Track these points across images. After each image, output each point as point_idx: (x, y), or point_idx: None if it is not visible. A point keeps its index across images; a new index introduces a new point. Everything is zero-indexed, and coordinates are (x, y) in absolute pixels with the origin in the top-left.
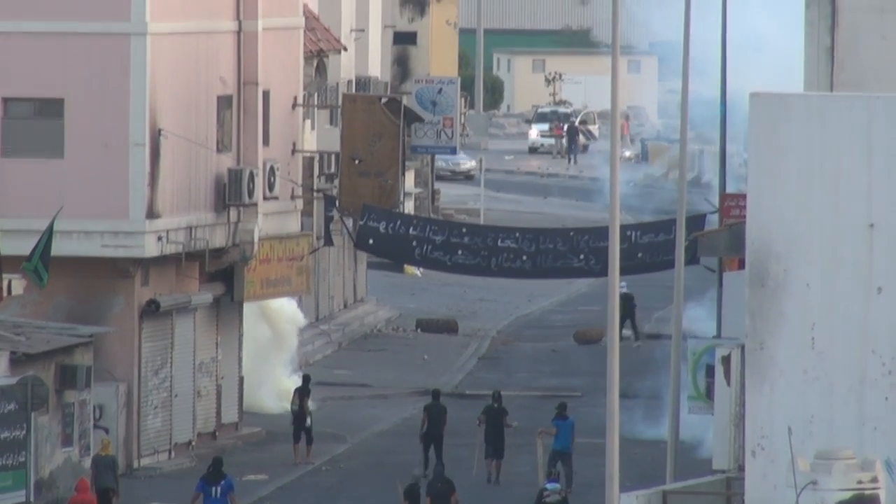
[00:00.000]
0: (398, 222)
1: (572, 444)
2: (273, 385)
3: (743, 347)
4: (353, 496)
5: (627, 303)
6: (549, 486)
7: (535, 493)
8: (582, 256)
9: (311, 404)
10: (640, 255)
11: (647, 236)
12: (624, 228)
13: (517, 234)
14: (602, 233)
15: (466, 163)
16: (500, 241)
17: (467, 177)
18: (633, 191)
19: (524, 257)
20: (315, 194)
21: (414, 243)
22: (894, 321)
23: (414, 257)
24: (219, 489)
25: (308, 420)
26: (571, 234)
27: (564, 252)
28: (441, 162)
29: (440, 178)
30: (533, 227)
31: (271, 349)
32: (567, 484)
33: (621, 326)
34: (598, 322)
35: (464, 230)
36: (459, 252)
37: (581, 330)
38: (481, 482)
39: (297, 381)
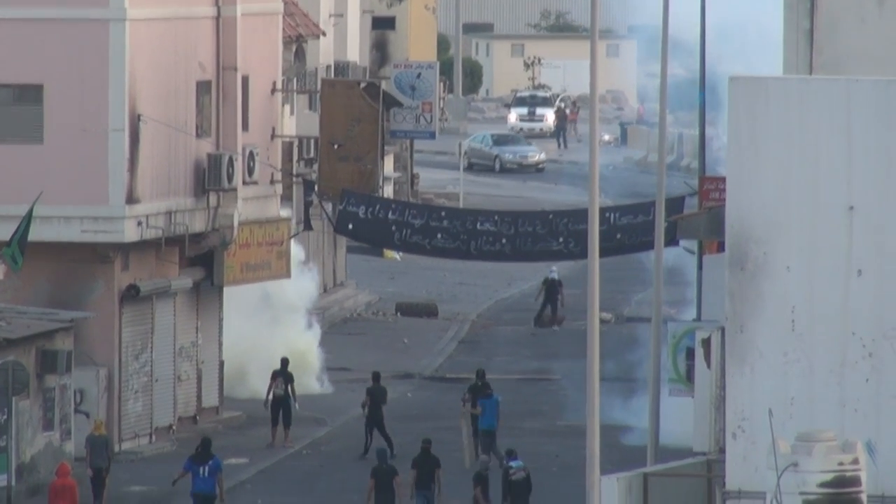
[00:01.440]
0: (377, 207)
1: (497, 422)
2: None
3: (723, 330)
4: (333, 479)
5: (553, 288)
6: (513, 464)
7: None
8: (561, 239)
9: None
10: (618, 236)
11: (625, 218)
12: (603, 210)
13: (496, 218)
14: (581, 215)
15: (535, 155)
16: (478, 224)
17: (537, 169)
18: (612, 174)
19: (503, 240)
20: (294, 179)
21: (393, 228)
22: (874, 303)
23: (394, 242)
24: (206, 469)
25: (294, 404)
26: (550, 216)
27: (543, 235)
28: (509, 154)
29: (507, 170)
30: (511, 210)
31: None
32: (496, 458)
33: (543, 310)
34: (580, 305)
35: (443, 214)
36: (439, 236)
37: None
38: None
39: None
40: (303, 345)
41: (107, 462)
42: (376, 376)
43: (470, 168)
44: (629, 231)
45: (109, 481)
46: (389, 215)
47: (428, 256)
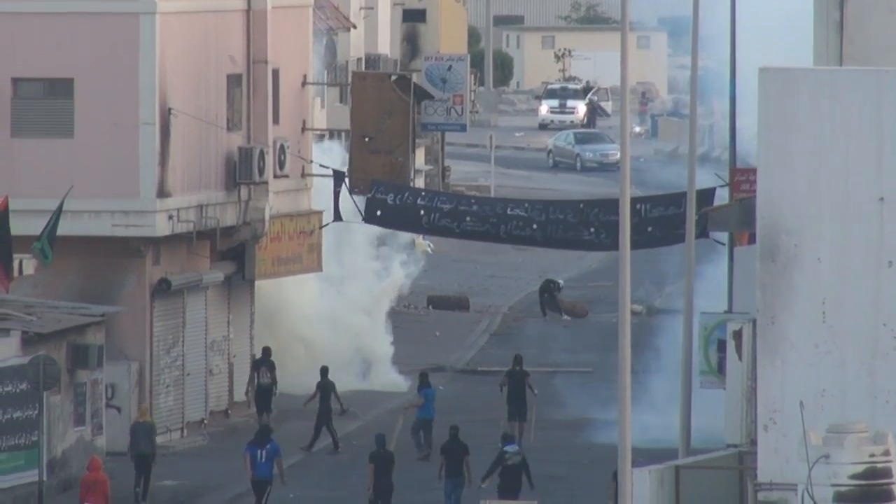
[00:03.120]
0: (406, 194)
1: (434, 412)
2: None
3: (754, 322)
4: (365, 473)
5: (550, 286)
6: (508, 448)
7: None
8: (592, 230)
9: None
10: (650, 229)
11: (656, 210)
12: (634, 202)
13: (526, 205)
14: (612, 206)
15: (617, 153)
16: (509, 209)
17: (616, 168)
18: (642, 166)
19: (534, 226)
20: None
21: (422, 212)
22: None
23: (422, 226)
24: (264, 453)
25: (275, 391)
26: (581, 206)
27: (575, 224)
28: (589, 153)
29: (588, 168)
30: (542, 199)
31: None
32: (428, 447)
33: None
34: (610, 298)
35: (472, 200)
36: (468, 219)
37: (569, 303)
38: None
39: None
40: (370, 339)
41: (152, 448)
42: (324, 371)
43: (555, 166)
44: (660, 224)
45: (155, 468)
46: (418, 201)
47: (457, 239)
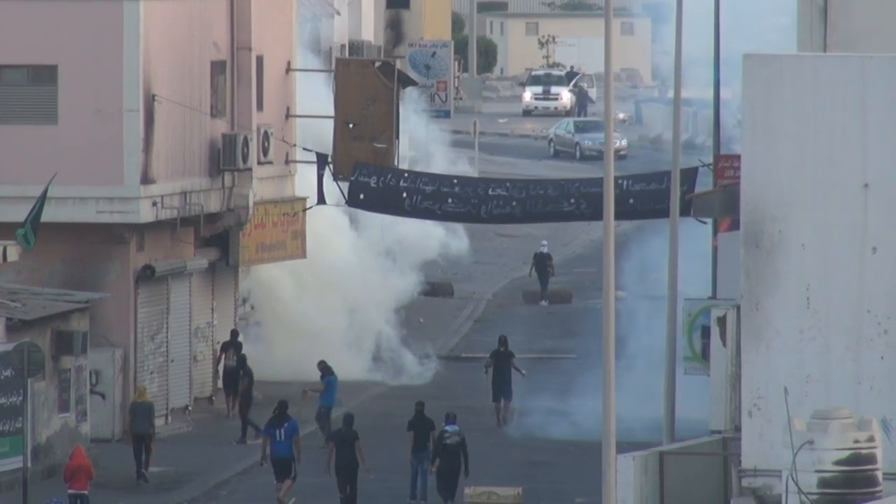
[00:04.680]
0: (389, 176)
1: (335, 399)
2: None
3: (739, 308)
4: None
5: (542, 262)
6: (448, 428)
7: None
8: (572, 200)
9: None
10: (631, 201)
11: (638, 185)
12: (616, 178)
13: (507, 184)
14: (593, 180)
15: (617, 142)
16: (490, 190)
17: (619, 156)
18: (627, 152)
19: (514, 203)
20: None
21: (404, 195)
22: (889, 281)
23: (404, 208)
24: (283, 432)
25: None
26: (562, 182)
27: (555, 197)
28: (588, 141)
29: (587, 157)
30: (524, 178)
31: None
32: (326, 435)
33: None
34: (596, 284)
35: (454, 181)
36: (449, 201)
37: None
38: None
39: None
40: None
41: (152, 429)
42: (241, 359)
43: (556, 156)
44: (642, 197)
45: (155, 448)
46: (401, 183)
47: (438, 221)
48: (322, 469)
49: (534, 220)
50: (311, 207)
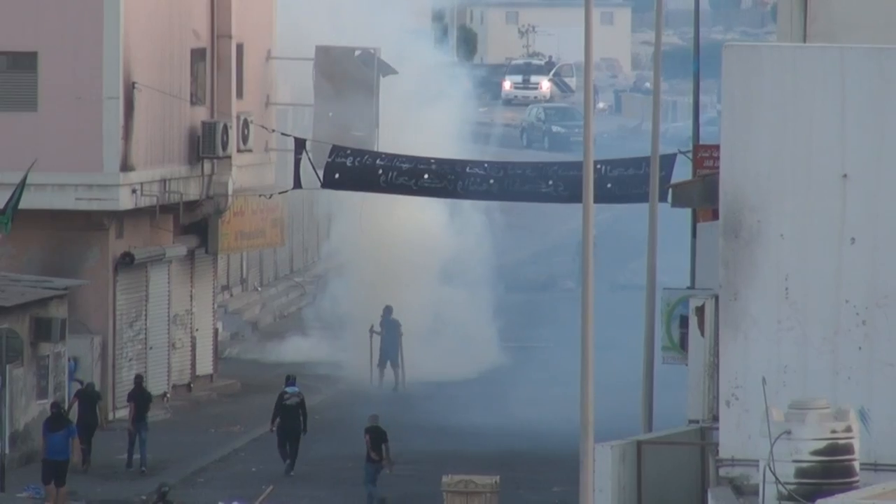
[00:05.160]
0: (366, 156)
1: None
2: None
3: (717, 298)
4: (328, 446)
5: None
6: (288, 389)
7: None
8: (550, 182)
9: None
10: (609, 185)
11: (616, 170)
12: (595, 163)
13: (486, 165)
14: (572, 164)
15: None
16: (468, 168)
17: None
18: (606, 142)
19: (491, 181)
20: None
21: (380, 172)
22: (867, 271)
23: (379, 185)
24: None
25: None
26: (541, 165)
27: (533, 177)
28: (556, 127)
29: (557, 145)
30: (502, 160)
31: None
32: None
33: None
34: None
35: (432, 161)
36: (426, 176)
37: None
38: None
39: None
40: None
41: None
42: (90, 386)
43: (529, 146)
44: (620, 182)
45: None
46: (378, 161)
47: (414, 196)
48: (327, 465)
49: (510, 199)
50: (286, 191)
